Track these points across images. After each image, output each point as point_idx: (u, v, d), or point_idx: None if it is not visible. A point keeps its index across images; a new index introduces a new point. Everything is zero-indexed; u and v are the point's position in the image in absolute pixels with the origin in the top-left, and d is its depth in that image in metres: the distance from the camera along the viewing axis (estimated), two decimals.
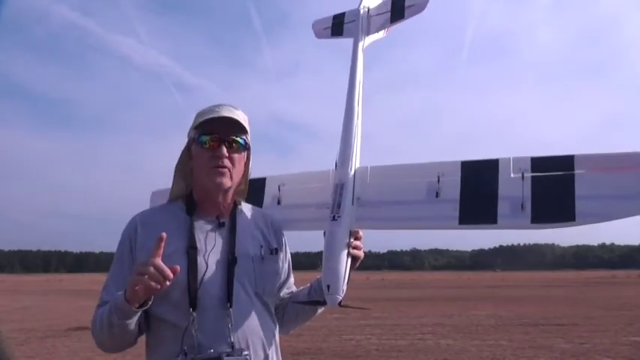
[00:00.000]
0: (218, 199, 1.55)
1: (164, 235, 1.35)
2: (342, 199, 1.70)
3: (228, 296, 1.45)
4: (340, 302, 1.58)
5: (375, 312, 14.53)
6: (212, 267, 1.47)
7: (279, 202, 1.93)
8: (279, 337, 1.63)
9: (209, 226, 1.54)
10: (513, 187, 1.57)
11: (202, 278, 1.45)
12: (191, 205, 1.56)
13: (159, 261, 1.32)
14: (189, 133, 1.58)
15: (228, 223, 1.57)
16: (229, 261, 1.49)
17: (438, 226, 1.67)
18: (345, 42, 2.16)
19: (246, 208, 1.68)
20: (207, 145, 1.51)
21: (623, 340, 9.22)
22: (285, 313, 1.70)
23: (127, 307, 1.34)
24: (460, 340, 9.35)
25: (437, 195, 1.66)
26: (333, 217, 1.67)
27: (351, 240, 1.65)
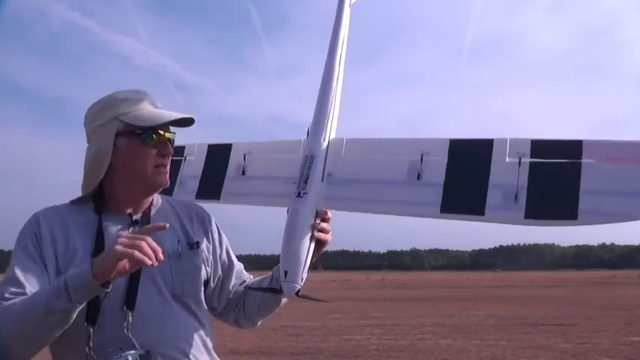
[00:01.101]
0: (144, 198, 1.42)
1: (167, 225, 1.22)
2: (311, 174, 1.51)
3: (127, 299, 1.29)
4: (298, 292, 1.41)
5: (375, 312, 14.53)
6: None
7: (243, 173, 1.74)
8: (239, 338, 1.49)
9: (120, 225, 1.37)
10: (507, 174, 1.37)
11: None
12: (99, 202, 1.38)
13: (151, 239, 1.15)
14: (105, 122, 1.36)
15: (141, 220, 1.40)
16: None
17: (417, 213, 1.47)
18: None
19: (165, 200, 1.51)
20: (155, 144, 1.37)
21: (623, 340, 9.22)
22: (246, 305, 1.55)
23: (93, 283, 1.13)
24: (460, 340, 9.35)
25: (418, 177, 1.46)
26: (299, 193, 1.48)
27: (317, 221, 1.47)
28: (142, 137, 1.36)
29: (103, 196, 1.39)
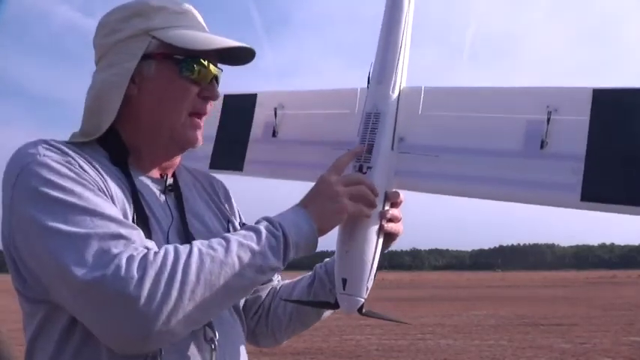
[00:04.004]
0: (167, 159, 1.01)
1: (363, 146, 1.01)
2: (377, 139, 1.07)
3: None
4: (362, 307, 1.04)
5: None
6: None
7: (274, 134, 1.27)
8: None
9: (154, 189, 0.97)
10: None
11: None
12: (120, 151, 0.94)
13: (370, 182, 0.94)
14: (131, 36, 0.94)
15: (174, 188, 1.01)
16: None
17: (540, 200, 1.00)
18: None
19: (181, 166, 1.11)
20: (198, 78, 0.96)
21: (623, 340, 9.21)
22: (271, 314, 1.15)
23: (315, 242, 0.88)
24: (460, 340, 9.35)
25: (542, 145, 0.99)
26: (360, 167, 1.05)
27: (387, 208, 1.05)
28: (182, 66, 0.95)
29: (118, 145, 0.95)
